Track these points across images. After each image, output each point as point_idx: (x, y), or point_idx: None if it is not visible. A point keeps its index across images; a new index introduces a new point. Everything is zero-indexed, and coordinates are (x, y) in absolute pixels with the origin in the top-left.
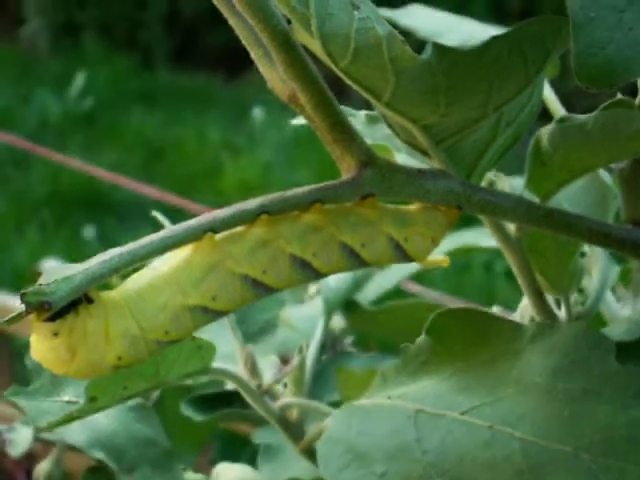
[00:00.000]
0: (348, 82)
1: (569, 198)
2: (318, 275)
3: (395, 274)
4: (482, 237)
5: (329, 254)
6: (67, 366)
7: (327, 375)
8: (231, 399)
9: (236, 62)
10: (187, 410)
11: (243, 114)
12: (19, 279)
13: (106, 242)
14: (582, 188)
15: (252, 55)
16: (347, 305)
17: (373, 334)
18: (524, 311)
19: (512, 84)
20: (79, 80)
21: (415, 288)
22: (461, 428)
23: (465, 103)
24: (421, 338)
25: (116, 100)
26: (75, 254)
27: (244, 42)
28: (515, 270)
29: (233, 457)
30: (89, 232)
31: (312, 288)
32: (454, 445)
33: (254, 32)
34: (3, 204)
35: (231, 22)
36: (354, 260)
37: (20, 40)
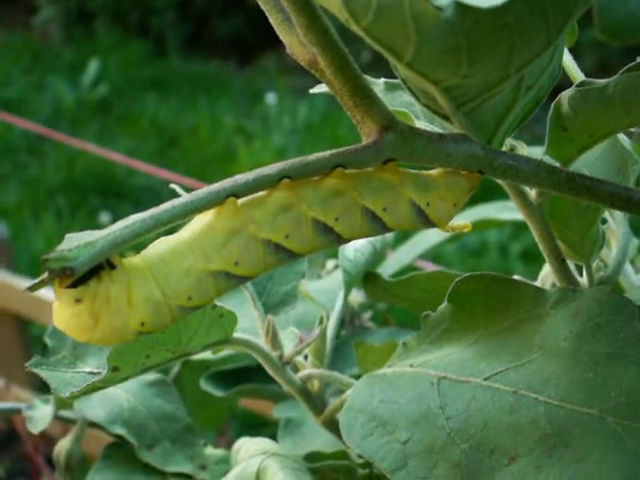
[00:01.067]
0: (370, 42)
1: (588, 164)
2: (340, 240)
3: (413, 249)
4: (501, 211)
5: (351, 219)
6: (90, 333)
7: (346, 350)
8: (250, 375)
9: (248, 49)
10: (207, 386)
11: (256, 100)
12: (35, 266)
13: None
14: (602, 154)
15: (271, 20)
16: (366, 277)
17: (392, 307)
18: (545, 279)
19: (533, 45)
20: (92, 68)
21: (432, 269)
22: (485, 394)
23: (487, 64)
24: (443, 306)
25: (129, 87)
26: None
27: (263, 7)
28: (537, 236)
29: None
30: (105, 218)
31: (330, 264)
32: (478, 411)
33: None
34: (19, 191)
35: None
36: (376, 225)
37: (32, 29)
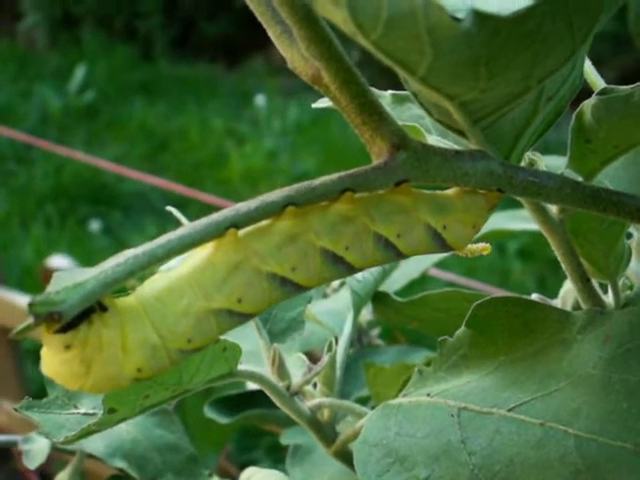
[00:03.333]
0: (379, 57)
1: (609, 175)
2: (352, 270)
3: (421, 262)
4: (511, 220)
5: (363, 247)
6: (82, 381)
7: (355, 370)
8: (256, 399)
9: (237, 50)
10: (210, 413)
11: (245, 102)
12: (26, 276)
13: (112, 235)
14: (623, 163)
15: (270, 34)
16: (376, 298)
17: (402, 327)
18: (566, 297)
19: (557, 54)
20: (79, 73)
21: (429, 271)
22: (510, 426)
23: (507, 76)
24: (461, 330)
25: (117, 92)
26: (81, 248)
27: (260, 19)
28: (559, 255)
29: (250, 449)
30: (95, 226)
31: (335, 281)
32: (503, 445)
33: (271, 7)
34: (7, 201)
35: None
36: (390, 252)
37: (18, 35)
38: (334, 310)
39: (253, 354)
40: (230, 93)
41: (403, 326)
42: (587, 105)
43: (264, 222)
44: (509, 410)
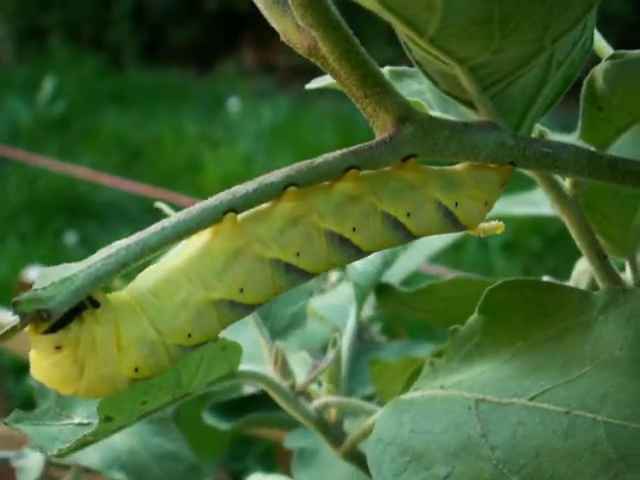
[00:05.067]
0: (387, 15)
1: (616, 148)
2: (359, 254)
3: (417, 253)
4: (513, 205)
5: (371, 228)
6: (75, 384)
7: (357, 367)
8: (254, 402)
9: (207, 55)
10: (210, 419)
11: (218, 106)
12: (2, 291)
13: (88, 247)
14: (630, 137)
15: (261, 6)
16: (379, 289)
17: (406, 319)
18: (579, 279)
19: (573, 9)
20: (48, 84)
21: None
22: (533, 416)
23: (520, 35)
24: (473, 318)
25: (88, 102)
26: (57, 261)
27: None
28: (573, 233)
29: (241, 457)
30: (70, 238)
31: (333, 276)
32: (527, 437)
33: None
34: None
35: None
36: (399, 233)
37: None
38: (336, 305)
39: (252, 355)
40: (202, 98)
41: (405, 320)
42: (598, 70)
43: (264, 205)
44: (531, 399)
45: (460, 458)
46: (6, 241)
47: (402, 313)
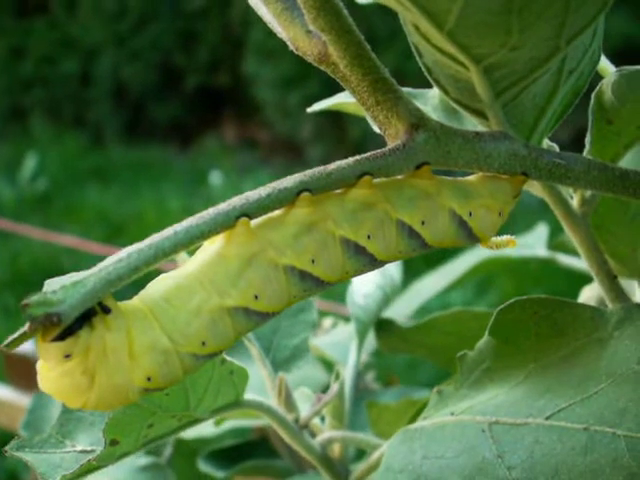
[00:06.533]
0: (408, 6)
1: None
2: (374, 263)
3: (413, 299)
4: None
5: (385, 235)
6: (85, 395)
7: (355, 412)
8: (250, 450)
9: (188, 131)
10: (205, 466)
11: (200, 181)
12: None
13: None
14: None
15: (269, 13)
16: (379, 325)
17: (396, 367)
18: (587, 302)
19: (588, 6)
20: (30, 162)
21: None
22: (550, 435)
23: (538, 30)
24: (482, 342)
25: (70, 180)
26: None
27: None
28: (582, 252)
29: None
30: None
31: (326, 322)
32: (545, 455)
33: None
34: None
35: None
36: (414, 241)
37: None
38: (337, 342)
39: (254, 388)
40: (184, 173)
41: (398, 368)
42: (607, 83)
43: (277, 212)
44: (547, 418)
45: None
46: None
47: (402, 350)
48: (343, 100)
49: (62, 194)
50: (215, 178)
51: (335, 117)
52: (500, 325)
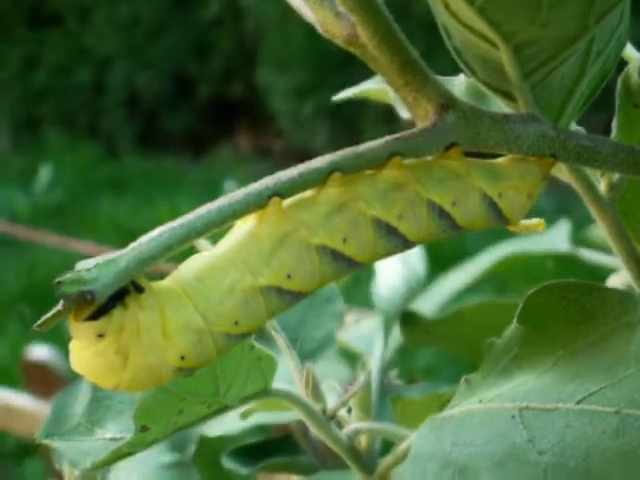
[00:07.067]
0: None
1: None
2: (406, 244)
3: (433, 299)
4: (534, 243)
5: (417, 216)
6: (119, 375)
7: (380, 408)
8: (275, 447)
9: (202, 141)
10: (230, 463)
11: (214, 191)
12: (2, 375)
13: None
14: None
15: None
16: (403, 318)
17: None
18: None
19: None
20: (44, 173)
21: None
22: (581, 419)
23: (568, 5)
24: (511, 329)
25: (84, 190)
26: (58, 344)
27: None
28: (610, 238)
29: None
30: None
31: (349, 318)
32: (576, 439)
33: None
34: None
35: None
36: (445, 222)
37: None
38: (362, 335)
39: (281, 380)
40: (198, 183)
41: (419, 367)
42: (634, 67)
43: (308, 192)
44: (577, 403)
45: (507, 466)
46: (7, 326)
47: (427, 342)
48: (367, 87)
49: (77, 204)
50: (229, 188)
51: (349, 127)
52: (529, 310)
